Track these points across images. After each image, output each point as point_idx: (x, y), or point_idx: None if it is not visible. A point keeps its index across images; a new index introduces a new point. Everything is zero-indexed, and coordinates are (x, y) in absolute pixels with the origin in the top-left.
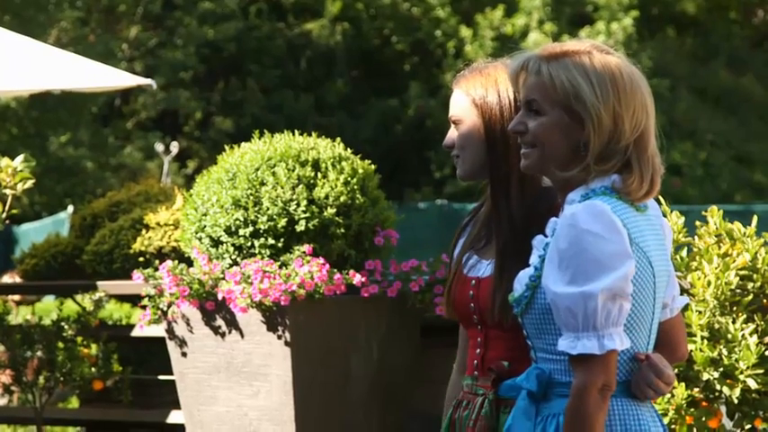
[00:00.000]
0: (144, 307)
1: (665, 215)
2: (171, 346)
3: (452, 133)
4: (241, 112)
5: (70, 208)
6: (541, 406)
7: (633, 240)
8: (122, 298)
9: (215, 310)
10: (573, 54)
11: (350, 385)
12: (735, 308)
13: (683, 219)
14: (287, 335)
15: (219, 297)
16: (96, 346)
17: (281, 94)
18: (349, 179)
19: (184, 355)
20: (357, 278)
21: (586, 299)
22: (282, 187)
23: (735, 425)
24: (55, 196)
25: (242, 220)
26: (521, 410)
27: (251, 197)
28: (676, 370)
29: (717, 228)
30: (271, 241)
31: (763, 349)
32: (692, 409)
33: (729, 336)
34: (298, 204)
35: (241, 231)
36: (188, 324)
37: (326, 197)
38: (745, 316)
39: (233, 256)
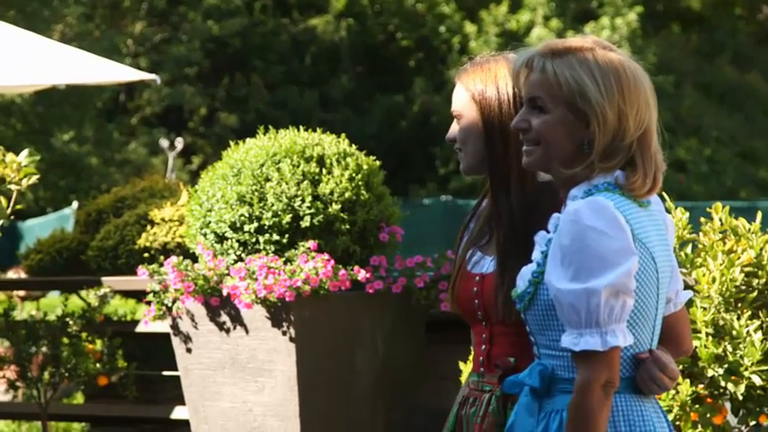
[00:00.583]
0: (149, 303)
1: (669, 211)
2: (176, 341)
3: (455, 127)
4: (246, 107)
5: (75, 203)
6: (544, 402)
7: (636, 236)
8: (127, 294)
9: (220, 306)
10: (576, 51)
11: (355, 381)
12: (739, 304)
13: (687, 215)
14: (292, 331)
15: (224, 293)
16: (101, 342)
17: (285, 90)
18: (354, 175)
19: (189, 350)
20: (362, 274)
21: (589, 295)
22: (287, 183)
23: (739, 421)
24: (60, 192)
25: (247, 215)
26: (523, 406)
27: (256, 193)
28: (681, 366)
29: (722, 224)
30: (276, 237)
31: None
32: (697, 406)
33: (734, 332)
34: (302, 200)
35: (246, 227)
36: (193, 320)
37: (331, 193)
38: (749, 312)
39: (238, 252)
